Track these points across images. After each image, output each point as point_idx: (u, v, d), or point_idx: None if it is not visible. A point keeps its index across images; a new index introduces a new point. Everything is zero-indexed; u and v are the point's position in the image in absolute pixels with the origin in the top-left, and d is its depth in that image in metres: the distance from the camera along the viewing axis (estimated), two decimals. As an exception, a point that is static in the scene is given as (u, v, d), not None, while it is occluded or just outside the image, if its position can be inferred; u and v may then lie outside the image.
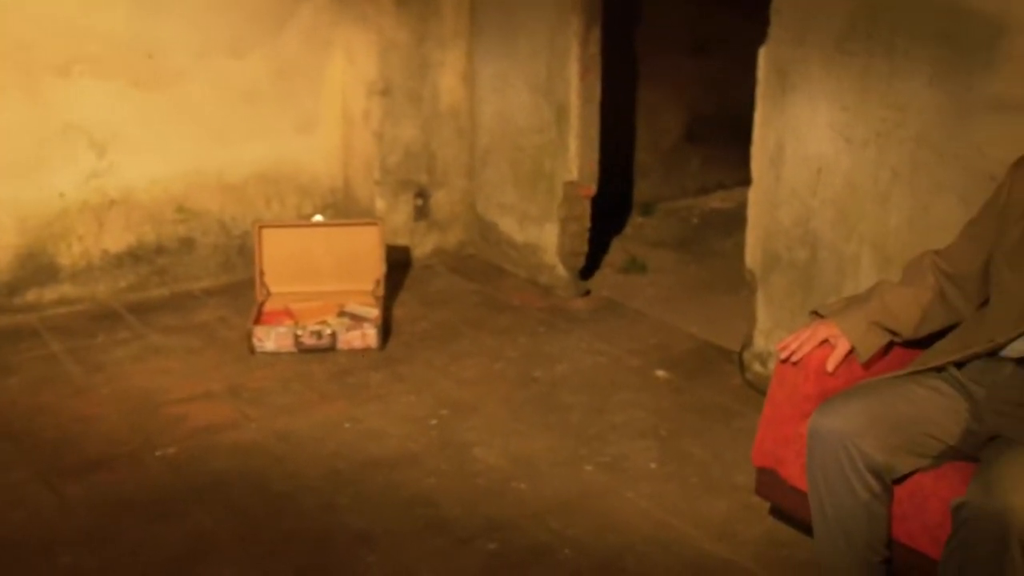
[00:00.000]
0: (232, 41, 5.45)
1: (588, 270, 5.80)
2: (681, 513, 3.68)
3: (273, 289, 5.20)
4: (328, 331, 4.83)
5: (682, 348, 4.96)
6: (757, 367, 4.51)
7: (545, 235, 5.59)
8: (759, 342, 4.52)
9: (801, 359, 3.08)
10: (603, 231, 6.37)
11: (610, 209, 6.66)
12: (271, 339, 4.81)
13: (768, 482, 3.22)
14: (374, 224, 5.22)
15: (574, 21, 5.18)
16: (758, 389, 4.37)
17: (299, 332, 4.82)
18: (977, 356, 2.92)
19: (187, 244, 5.55)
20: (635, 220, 6.85)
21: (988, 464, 2.62)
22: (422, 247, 5.95)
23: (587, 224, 5.55)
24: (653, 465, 3.98)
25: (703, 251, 6.31)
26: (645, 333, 5.11)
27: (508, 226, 5.83)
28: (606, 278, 5.85)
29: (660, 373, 4.69)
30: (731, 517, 3.66)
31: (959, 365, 2.95)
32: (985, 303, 3.08)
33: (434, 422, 4.27)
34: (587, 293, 5.58)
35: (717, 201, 7.16)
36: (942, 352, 2.99)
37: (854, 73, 3.97)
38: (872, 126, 3.95)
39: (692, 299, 5.59)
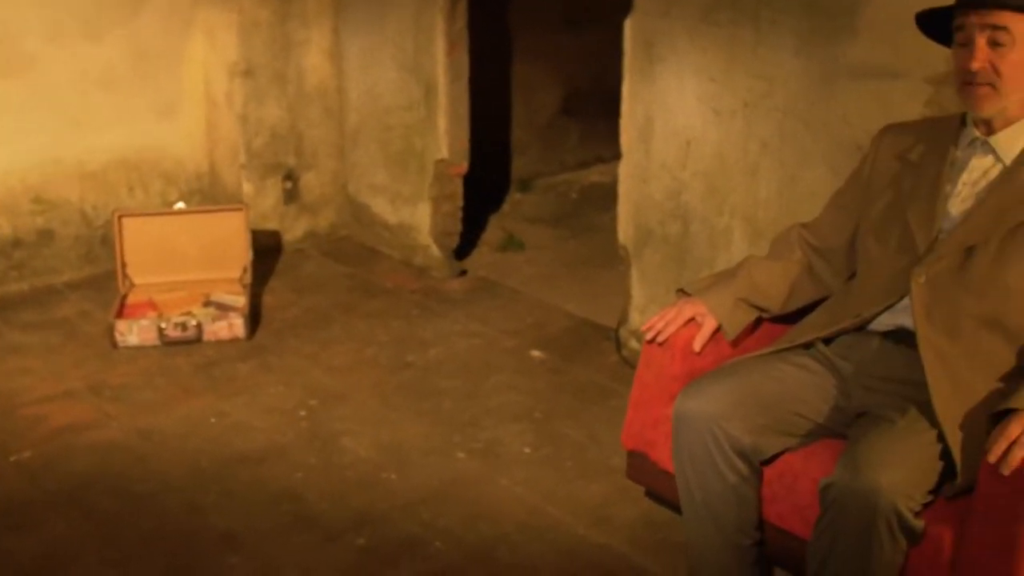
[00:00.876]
0: (86, 23, 5.23)
1: (464, 249, 5.70)
2: (556, 498, 3.61)
3: (136, 280, 5.02)
4: (193, 322, 4.67)
5: (558, 327, 4.88)
6: (633, 344, 4.45)
7: (418, 215, 5.47)
8: (634, 318, 4.45)
9: (668, 339, 3.00)
10: (481, 209, 6.29)
11: (488, 186, 6.57)
12: (134, 333, 4.64)
13: (639, 465, 3.15)
14: (239, 210, 5.06)
15: (439, -4, 5.07)
16: (634, 366, 4.26)
17: (163, 324, 4.65)
18: (845, 331, 2.87)
19: (46, 236, 5.32)
20: (513, 197, 6.76)
21: (855, 443, 2.57)
22: (293, 231, 5.79)
23: (460, 203, 5.44)
24: (527, 449, 3.90)
25: (581, 226, 6.23)
26: (521, 313, 5.02)
27: (380, 207, 5.70)
28: (483, 257, 5.76)
29: (536, 354, 4.61)
30: (606, 500, 3.59)
31: (827, 341, 2.90)
32: (853, 276, 3.04)
33: (303, 413, 4.14)
34: (463, 273, 5.48)
35: (596, 175, 7.09)
36: (810, 328, 2.94)
37: (720, 44, 3.91)
38: (740, 97, 3.90)
39: (570, 276, 5.51)
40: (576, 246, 5.93)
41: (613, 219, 4.48)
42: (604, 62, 6.08)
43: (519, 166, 7.00)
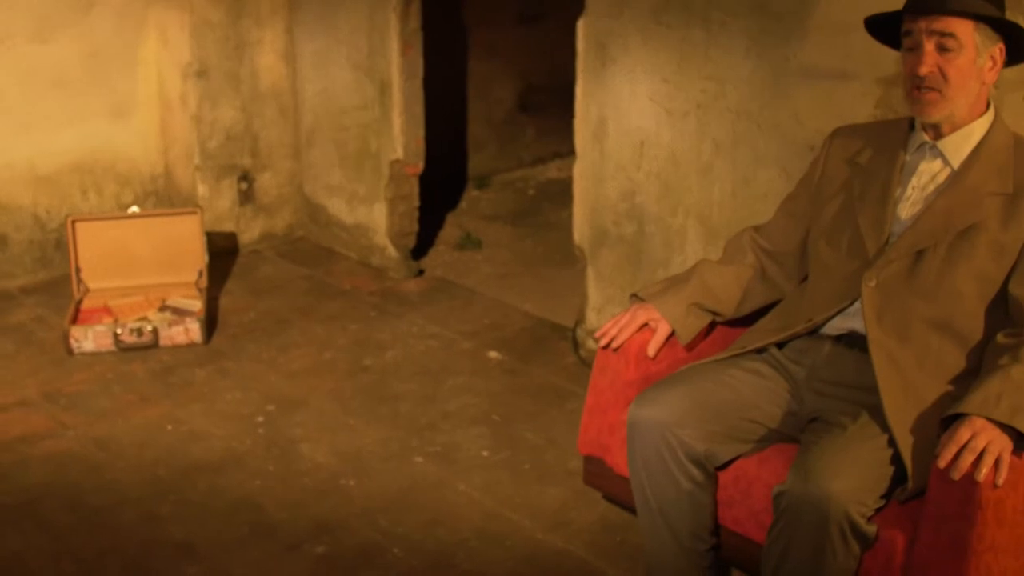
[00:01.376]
0: (36, 24, 5.17)
1: (422, 248, 5.69)
2: (514, 503, 3.61)
3: (91, 285, 4.98)
4: (149, 328, 4.64)
5: (516, 327, 4.87)
6: (591, 344, 4.45)
7: (374, 216, 5.45)
8: (592, 319, 4.46)
9: (622, 345, 3.01)
10: (438, 206, 6.28)
11: (445, 184, 6.56)
12: (89, 339, 4.60)
13: (596, 471, 3.16)
14: (193, 213, 5.03)
15: (392, -4, 5.04)
16: (591, 367, 4.30)
17: (118, 330, 4.61)
18: (797, 336, 2.88)
19: (-1, 241, 5.29)
20: (470, 194, 6.75)
21: (806, 450, 2.59)
22: (249, 232, 5.76)
23: (416, 203, 5.43)
24: (485, 453, 3.90)
25: (539, 223, 6.23)
26: (479, 313, 5.02)
27: (337, 207, 5.68)
28: (440, 256, 5.74)
29: (493, 355, 4.60)
30: (565, 504, 3.60)
31: (780, 345, 2.92)
32: (806, 278, 3.05)
33: (260, 419, 4.13)
34: (420, 273, 5.47)
35: (553, 171, 7.09)
36: (763, 333, 2.96)
37: (672, 45, 3.92)
38: (692, 98, 3.91)
39: (527, 274, 5.51)
40: (533, 244, 5.92)
41: (570, 216, 4.49)
42: (560, 57, 6.08)
43: (476, 163, 6.99)
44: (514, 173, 7.10)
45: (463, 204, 6.57)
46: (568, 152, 4.36)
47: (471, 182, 6.89)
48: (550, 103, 6.97)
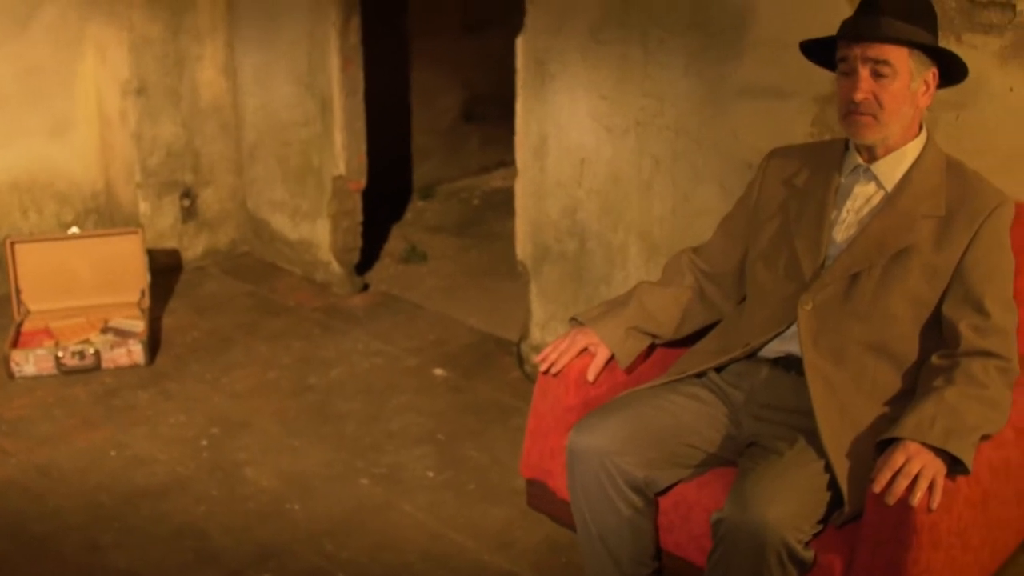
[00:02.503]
0: (-31, 40, 5.13)
1: (367, 261, 5.68)
2: (459, 524, 3.62)
3: (32, 307, 4.93)
4: (91, 350, 4.60)
5: (460, 343, 4.87)
6: (535, 359, 4.44)
7: (318, 231, 5.43)
8: (535, 334, 4.47)
9: (562, 370, 3.02)
10: (383, 218, 6.27)
11: (390, 195, 6.55)
12: (30, 362, 4.56)
13: (538, 494, 3.16)
14: (135, 232, 4.99)
15: (332, 12, 5.01)
16: (535, 382, 4.32)
17: (60, 353, 4.57)
18: (735, 360, 2.90)
19: (-63, 262, 5.22)
20: (415, 204, 6.74)
21: (744, 476, 2.61)
22: (192, 249, 5.72)
23: (359, 218, 5.42)
24: (430, 473, 3.90)
25: (484, 234, 6.23)
26: (423, 329, 5.01)
27: (280, 223, 5.65)
28: (385, 269, 5.73)
29: (438, 371, 4.60)
30: (510, 524, 3.61)
31: (719, 368, 2.94)
32: (745, 299, 3.07)
33: (204, 443, 4.10)
34: (365, 288, 5.46)
35: (498, 180, 7.10)
36: (701, 356, 2.97)
37: (611, 63, 3.93)
38: (631, 115, 3.92)
39: (472, 287, 5.51)
40: (478, 256, 5.92)
41: (515, 227, 4.48)
42: (504, 66, 6.08)
43: (421, 173, 6.98)
44: (459, 182, 7.10)
45: (408, 215, 6.56)
46: (512, 161, 4.37)
47: (416, 192, 6.89)
48: (495, 112, 6.97)
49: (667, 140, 3.84)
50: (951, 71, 2.77)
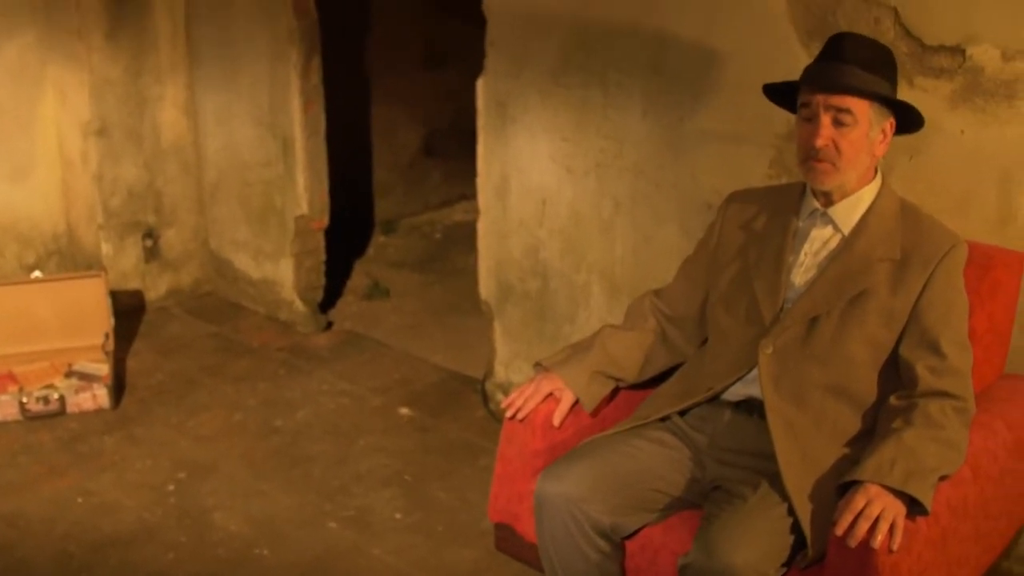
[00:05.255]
0: (-71, 81, 5.13)
1: (330, 298, 5.71)
2: (428, 567, 3.63)
3: (-5, 352, 4.93)
4: (56, 395, 4.59)
5: (426, 381, 4.90)
6: (500, 397, 4.49)
7: (281, 271, 5.45)
8: (500, 372, 4.50)
9: (528, 415, 3.05)
10: (346, 254, 6.29)
11: (352, 230, 6.58)
12: (-6, 408, 4.56)
13: (507, 537, 3.19)
14: (97, 276, 4.99)
15: (293, 54, 5.04)
16: (501, 420, 4.34)
17: (24, 399, 4.56)
18: (698, 404, 2.94)
19: (-102, 307, 5.19)
20: (378, 239, 6.78)
21: (709, 522, 2.65)
22: (155, 289, 5.72)
23: (322, 257, 5.45)
24: (399, 515, 3.91)
25: (447, 269, 6.27)
26: (388, 367, 5.04)
27: (243, 263, 5.67)
28: (349, 307, 5.76)
29: (404, 411, 4.63)
30: (478, 566, 3.63)
31: (682, 412, 2.97)
32: (707, 340, 3.12)
33: (171, 488, 4.10)
34: (329, 326, 5.48)
35: (460, 213, 7.15)
36: (665, 401, 3.01)
37: (572, 105, 3.98)
38: (592, 157, 3.97)
39: (436, 324, 5.55)
40: (441, 292, 5.96)
41: (477, 261, 4.51)
42: (463, 100, 6.15)
43: (383, 207, 7.03)
44: (421, 217, 7.15)
45: (370, 251, 6.59)
46: (473, 194, 4.41)
47: (378, 227, 6.92)
48: (455, 146, 7.04)
49: (627, 181, 3.89)
50: (908, 121, 2.83)
